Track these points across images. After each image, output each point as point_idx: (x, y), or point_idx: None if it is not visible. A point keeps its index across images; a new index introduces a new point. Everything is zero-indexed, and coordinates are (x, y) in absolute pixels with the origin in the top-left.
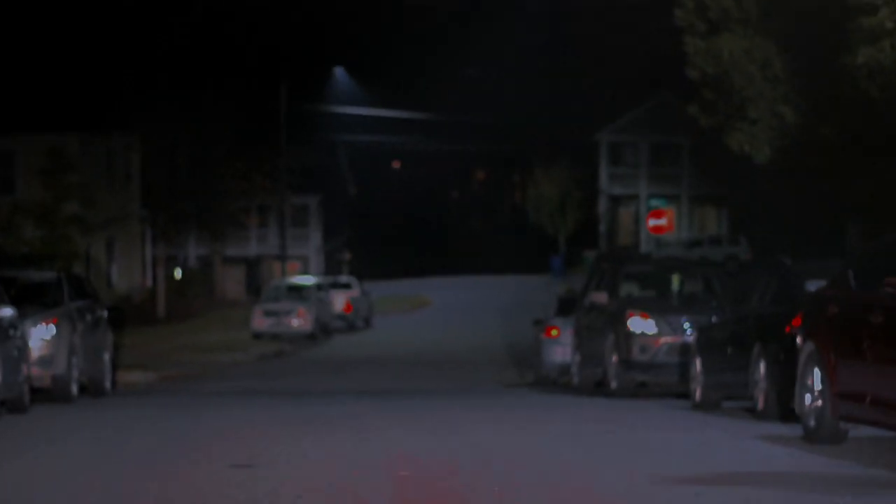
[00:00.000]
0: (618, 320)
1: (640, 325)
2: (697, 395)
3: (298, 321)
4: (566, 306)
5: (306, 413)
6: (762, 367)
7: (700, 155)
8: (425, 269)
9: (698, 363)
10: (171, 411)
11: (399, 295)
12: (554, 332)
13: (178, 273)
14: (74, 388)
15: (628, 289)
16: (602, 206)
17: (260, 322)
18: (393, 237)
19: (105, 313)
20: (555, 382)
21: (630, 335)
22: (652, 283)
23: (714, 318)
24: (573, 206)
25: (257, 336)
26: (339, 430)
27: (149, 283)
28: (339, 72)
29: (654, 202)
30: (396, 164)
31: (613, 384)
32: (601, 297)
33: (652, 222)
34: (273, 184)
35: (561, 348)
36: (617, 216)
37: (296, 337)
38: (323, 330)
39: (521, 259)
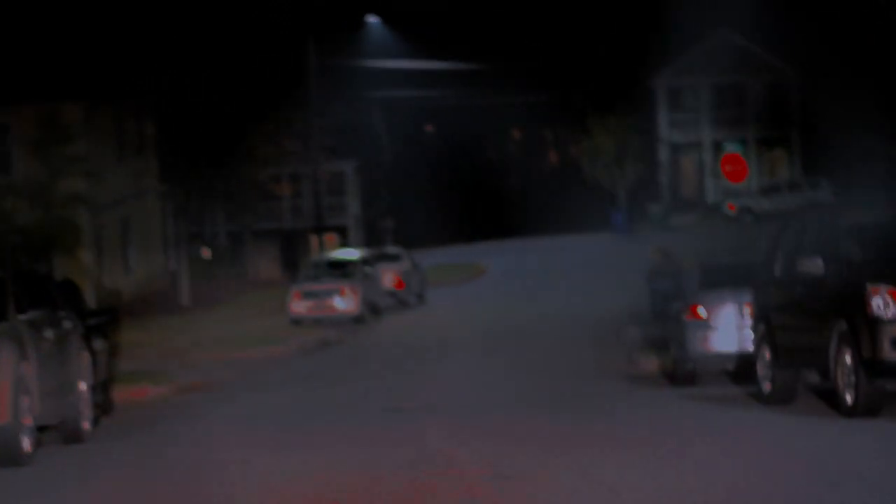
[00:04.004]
0: (850, 300)
1: (889, 307)
2: None
3: (343, 302)
4: (715, 276)
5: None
6: None
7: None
8: (473, 233)
9: None
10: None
11: (449, 264)
12: (702, 313)
13: (205, 253)
14: (26, 444)
15: (846, 252)
16: (662, 155)
17: (298, 306)
18: (435, 201)
19: (77, 325)
20: (697, 375)
21: (876, 323)
22: (882, 244)
23: None
24: (631, 157)
25: (296, 322)
26: None
27: (172, 265)
28: (372, 21)
29: (729, 146)
30: (429, 128)
31: (849, 397)
32: (814, 266)
33: (728, 168)
34: (304, 148)
35: (714, 334)
36: (679, 165)
37: (341, 321)
38: (372, 310)
39: (576, 217)
